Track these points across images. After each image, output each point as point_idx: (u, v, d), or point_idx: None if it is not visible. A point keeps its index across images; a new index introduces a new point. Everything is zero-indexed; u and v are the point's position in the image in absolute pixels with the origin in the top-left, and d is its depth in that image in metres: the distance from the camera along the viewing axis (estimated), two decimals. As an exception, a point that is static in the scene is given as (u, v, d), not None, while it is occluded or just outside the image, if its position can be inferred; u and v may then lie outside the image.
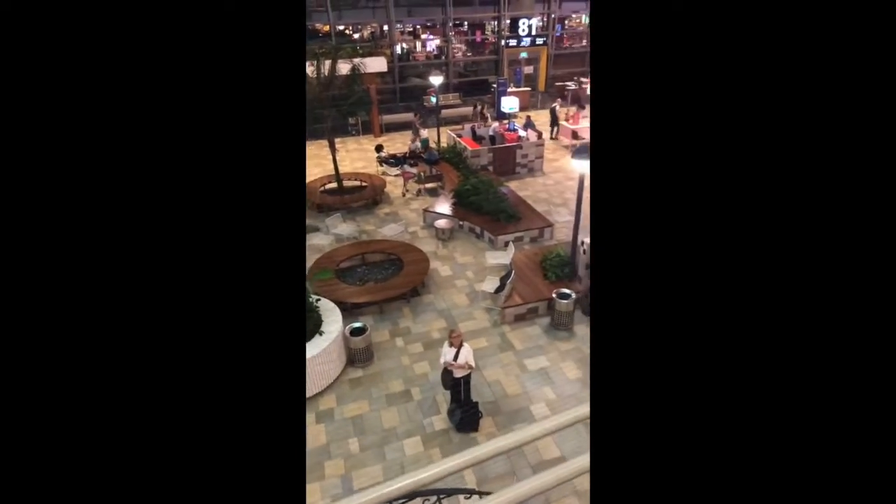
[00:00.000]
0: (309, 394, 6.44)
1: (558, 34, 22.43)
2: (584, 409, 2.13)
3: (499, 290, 8.21)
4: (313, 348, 6.36)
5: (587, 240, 8.12)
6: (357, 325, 7.07)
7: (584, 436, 5.69)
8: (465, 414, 5.95)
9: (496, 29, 21.32)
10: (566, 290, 7.65)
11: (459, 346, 5.76)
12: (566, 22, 23.12)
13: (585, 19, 23.75)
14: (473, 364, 5.88)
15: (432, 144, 14.25)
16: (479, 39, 22.59)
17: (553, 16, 21.47)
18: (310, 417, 6.23)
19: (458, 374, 5.87)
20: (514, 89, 19.53)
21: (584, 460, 1.88)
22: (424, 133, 15.21)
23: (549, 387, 6.59)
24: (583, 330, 7.70)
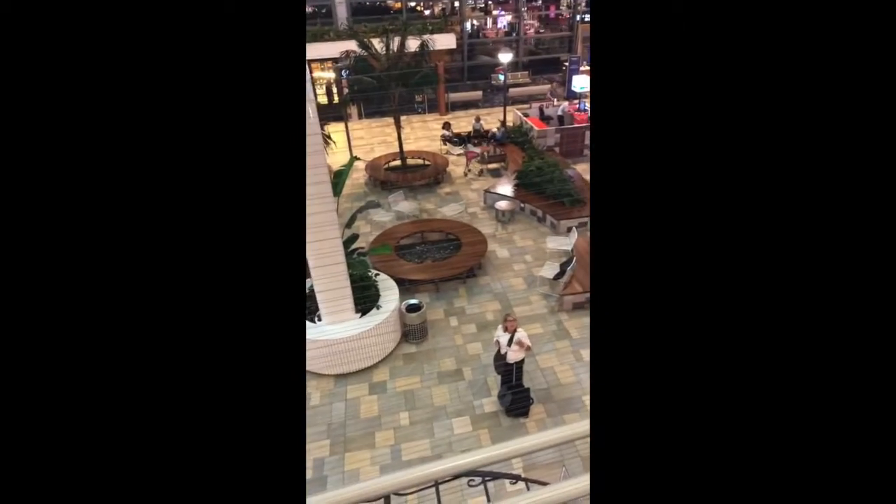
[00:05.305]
0: (364, 365, 6.68)
1: (638, 8, 21.23)
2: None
3: (558, 276, 8.06)
4: (370, 321, 6.57)
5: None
6: (413, 301, 7.22)
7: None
8: (516, 397, 5.96)
9: (572, 3, 20.53)
10: (627, 279, 7.39)
11: (513, 332, 5.74)
12: (647, -5, 21.83)
13: (668, -8, 22.32)
14: (530, 344, 5.84)
15: (497, 126, 14.07)
16: (553, 15, 21.85)
17: (633, -12, 20.35)
18: (363, 388, 6.48)
19: (512, 359, 5.86)
20: (587, 68, 18.83)
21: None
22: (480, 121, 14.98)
23: (603, 376, 6.46)
24: (643, 320, 7.44)
